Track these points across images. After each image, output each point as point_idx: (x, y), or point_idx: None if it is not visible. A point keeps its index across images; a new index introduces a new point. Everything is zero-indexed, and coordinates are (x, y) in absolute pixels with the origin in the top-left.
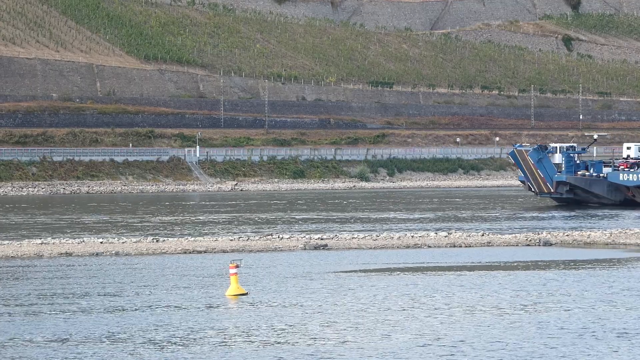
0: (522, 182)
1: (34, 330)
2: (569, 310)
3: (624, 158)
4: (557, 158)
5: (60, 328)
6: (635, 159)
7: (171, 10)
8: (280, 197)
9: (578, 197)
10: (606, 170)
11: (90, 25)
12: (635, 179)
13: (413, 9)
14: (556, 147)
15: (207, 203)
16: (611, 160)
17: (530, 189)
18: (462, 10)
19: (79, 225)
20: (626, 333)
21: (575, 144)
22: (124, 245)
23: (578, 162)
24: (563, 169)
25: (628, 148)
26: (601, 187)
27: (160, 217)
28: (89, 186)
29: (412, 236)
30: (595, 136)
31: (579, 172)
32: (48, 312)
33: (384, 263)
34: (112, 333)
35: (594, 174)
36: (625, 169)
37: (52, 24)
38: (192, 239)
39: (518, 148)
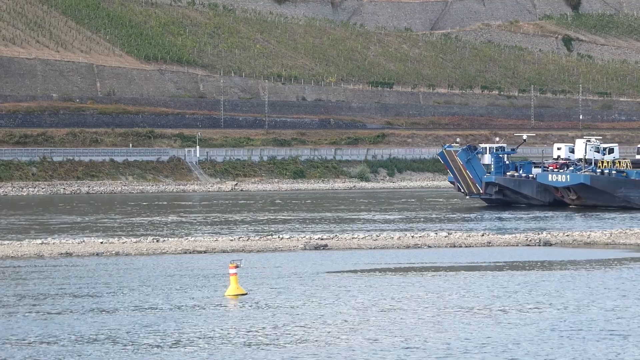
0: (452, 182)
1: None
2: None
3: (554, 159)
4: (487, 159)
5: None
6: (566, 159)
7: (171, 11)
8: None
9: (507, 198)
10: (535, 171)
11: (90, 25)
12: (563, 180)
13: (413, 9)
14: (486, 147)
15: (185, 204)
16: (541, 161)
17: (459, 190)
18: (462, 10)
19: (40, 227)
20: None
21: (504, 145)
22: (124, 245)
23: (507, 162)
24: (492, 169)
25: (558, 149)
26: (530, 188)
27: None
28: (89, 186)
29: (412, 236)
30: (525, 137)
31: (508, 173)
32: (50, 312)
33: (385, 263)
34: (111, 333)
35: (523, 175)
36: (554, 170)
37: (52, 24)
38: (192, 239)
39: (447, 149)
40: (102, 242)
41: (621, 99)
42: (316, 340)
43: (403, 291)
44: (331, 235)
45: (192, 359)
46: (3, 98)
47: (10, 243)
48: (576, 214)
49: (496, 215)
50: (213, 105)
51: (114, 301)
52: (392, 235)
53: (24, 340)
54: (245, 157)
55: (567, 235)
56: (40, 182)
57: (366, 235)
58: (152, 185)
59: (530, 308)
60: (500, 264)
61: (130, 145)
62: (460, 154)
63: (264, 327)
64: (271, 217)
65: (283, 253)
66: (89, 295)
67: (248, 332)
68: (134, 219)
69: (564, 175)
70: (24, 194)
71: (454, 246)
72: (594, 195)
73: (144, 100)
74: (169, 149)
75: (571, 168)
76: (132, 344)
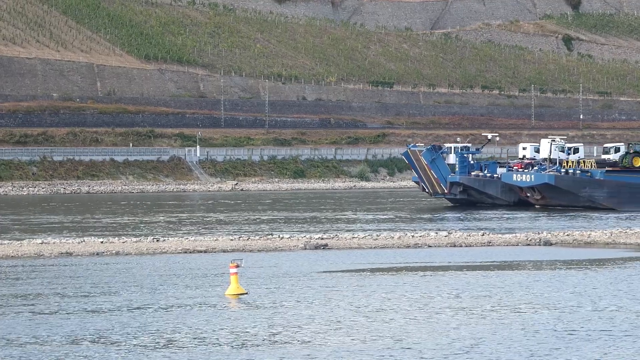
0: (417, 182)
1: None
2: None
3: (519, 158)
4: (452, 159)
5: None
6: (531, 159)
7: (171, 10)
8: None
9: (472, 197)
10: (500, 170)
11: (90, 25)
12: (528, 180)
13: (413, 8)
14: (450, 147)
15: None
16: (507, 161)
17: (424, 190)
18: (463, 10)
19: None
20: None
21: (469, 144)
22: (125, 245)
23: (472, 162)
24: (457, 169)
25: (524, 148)
26: (495, 187)
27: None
28: (89, 186)
29: (412, 236)
30: (489, 136)
31: (472, 173)
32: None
33: (386, 263)
34: (107, 333)
35: (488, 175)
36: (519, 170)
37: (52, 24)
38: (193, 238)
39: (412, 148)
40: (102, 242)
41: (621, 99)
42: (314, 341)
43: (401, 291)
44: (331, 235)
45: (193, 359)
46: (3, 98)
47: (10, 243)
48: (530, 214)
49: (457, 215)
50: (213, 104)
51: (112, 301)
52: (392, 235)
53: (16, 340)
54: (246, 157)
55: (567, 235)
56: (40, 182)
57: (366, 234)
58: (153, 185)
59: (526, 308)
60: (500, 263)
61: (131, 144)
62: (425, 154)
63: (263, 327)
64: (250, 216)
65: (283, 253)
66: (91, 295)
67: (248, 332)
68: (118, 219)
69: (528, 175)
70: (24, 193)
71: (454, 245)
72: (559, 195)
73: (144, 99)
74: (169, 149)
75: (536, 168)
76: (129, 344)
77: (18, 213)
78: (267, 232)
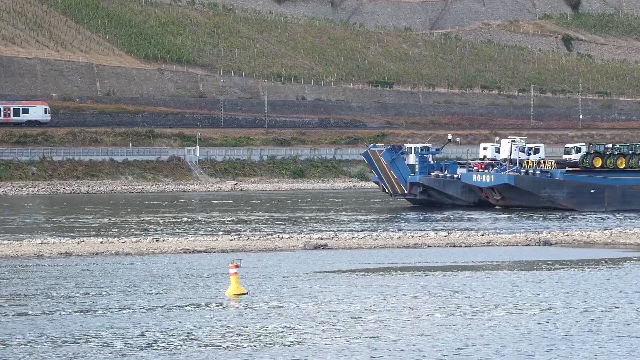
0: (377, 183)
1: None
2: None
3: (480, 159)
4: (412, 159)
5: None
6: (492, 159)
7: (171, 10)
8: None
9: (432, 198)
10: (461, 171)
11: (90, 25)
12: (488, 180)
13: (413, 8)
14: (410, 147)
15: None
16: (467, 161)
17: (384, 190)
18: (462, 10)
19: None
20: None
21: (429, 145)
22: (124, 245)
23: (433, 163)
24: (417, 169)
25: (485, 148)
26: (455, 188)
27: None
28: (88, 186)
29: (412, 236)
30: (450, 136)
31: (432, 173)
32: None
33: (387, 263)
34: (106, 333)
35: (448, 175)
36: (479, 170)
37: (51, 24)
38: (192, 238)
39: (371, 149)
40: (101, 242)
41: (621, 99)
42: (314, 341)
43: (398, 291)
44: (331, 235)
45: (193, 358)
46: (3, 97)
47: (10, 243)
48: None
49: (415, 216)
50: (213, 104)
51: (112, 301)
52: (392, 235)
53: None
54: (245, 157)
55: (567, 235)
56: (40, 182)
57: (366, 235)
58: (152, 185)
59: (522, 308)
60: (499, 263)
61: (130, 144)
62: (384, 154)
63: (262, 326)
64: (214, 217)
65: (283, 253)
66: (93, 295)
67: (248, 331)
68: (119, 219)
69: (488, 176)
70: (24, 193)
71: (454, 246)
72: (518, 196)
73: (144, 99)
74: (169, 149)
75: (495, 168)
76: (128, 344)
77: (5, 213)
78: (258, 232)
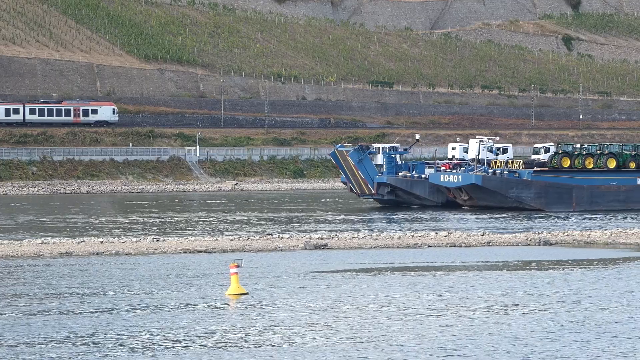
0: (344, 183)
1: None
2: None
3: (448, 159)
4: (379, 159)
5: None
6: (460, 159)
7: (171, 10)
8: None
9: (400, 198)
10: (429, 171)
11: (90, 24)
12: (455, 180)
13: (413, 8)
14: (378, 147)
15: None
16: (435, 161)
17: (352, 191)
18: (462, 9)
19: None
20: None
21: (397, 145)
22: (124, 244)
23: (400, 163)
24: (384, 169)
25: (453, 148)
26: (422, 188)
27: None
28: (89, 186)
29: (412, 236)
30: (417, 136)
31: (400, 173)
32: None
33: (386, 263)
34: (106, 332)
35: (416, 175)
36: (447, 170)
37: (52, 24)
38: (193, 238)
39: (339, 149)
40: (102, 242)
41: (621, 99)
42: (315, 341)
43: (401, 291)
44: (331, 235)
45: (192, 358)
46: (3, 97)
47: (10, 242)
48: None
49: (384, 216)
50: (213, 104)
51: (112, 301)
52: (392, 235)
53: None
54: (245, 157)
55: (567, 235)
56: (40, 182)
57: (366, 234)
58: (152, 185)
59: (519, 308)
60: (498, 263)
61: (130, 144)
62: (352, 154)
63: (262, 327)
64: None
65: (283, 253)
66: (92, 295)
67: (247, 331)
68: (121, 218)
69: (455, 176)
70: (24, 193)
71: (454, 245)
72: (486, 196)
73: (144, 99)
74: (169, 149)
75: (463, 168)
76: (128, 344)
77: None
78: (256, 232)
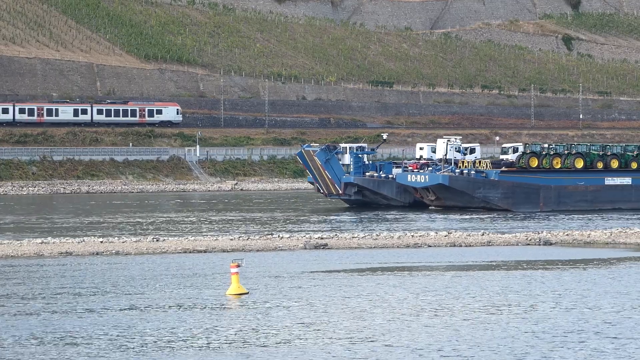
0: (312, 183)
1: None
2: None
3: (416, 159)
4: (347, 159)
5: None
6: (428, 159)
7: (171, 10)
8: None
9: (367, 198)
10: (396, 171)
11: (90, 24)
12: (422, 180)
13: (413, 8)
14: (345, 147)
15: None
16: (403, 161)
17: (319, 191)
18: (462, 9)
19: None
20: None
21: (365, 145)
22: (124, 244)
23: (367, 163)
24: (351, 169)
25: (421, 148)
26: (390, 188)
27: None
28: (89, 185)
29: (412, 235)
30: (385, 136)
31: (367, 174)
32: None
33: (386, 263)
34: (106, 332)
35: (383, 175)
36: (414, 170)
37: (52, 24)
38: (193, 238)
39: (306, 149)
40: (101, 242)
41: (621, 98)
42: (312, 341)
43: (401, 291)
44: (331, 235)
45: (193, 358)
46: (3, 97)
47: (10, 242)
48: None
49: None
50: (213, 104)
51: (114, 300)
52: (392, 235)
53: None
54: (245, 157)
55: (567, 235)
56: (40, 182)
57: (366, 234)
58: (152, 185)
59: (517, 309)
60: (497, 263)
61: (130, 144)
62: (319, 154)
63: (262, 327)
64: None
65: (284, 252)
66: (91, 295)
67: (247, 331)
68: (77, 218)
69: (422, 176)
70: (24, 193)
71: (454, 245)
72: (453, 196)
73: (144, 99)
74: (169, 148)
75: (430, 168)
76: (130, 343)
77: None
78: (255, 232)
